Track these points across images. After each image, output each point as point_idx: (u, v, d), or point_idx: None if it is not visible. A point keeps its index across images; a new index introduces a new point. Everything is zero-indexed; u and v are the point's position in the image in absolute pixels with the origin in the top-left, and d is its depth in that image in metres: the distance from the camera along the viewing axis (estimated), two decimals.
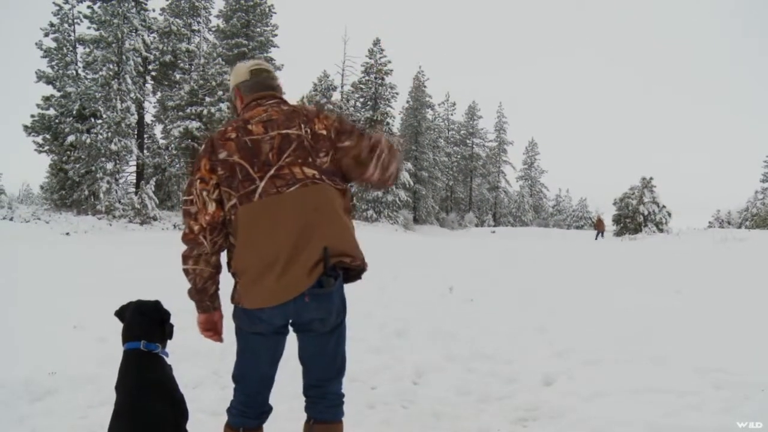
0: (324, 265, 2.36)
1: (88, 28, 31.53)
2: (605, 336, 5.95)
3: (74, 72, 31.10)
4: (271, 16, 42.90)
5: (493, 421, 3.85)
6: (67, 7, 30.73)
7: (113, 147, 28.42)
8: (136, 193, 29.81)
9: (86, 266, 11.78)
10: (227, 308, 2.58)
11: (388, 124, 48.09)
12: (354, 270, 2.55)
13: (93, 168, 28.34)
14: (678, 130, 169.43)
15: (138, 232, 25.14)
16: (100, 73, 29.32)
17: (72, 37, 31.10)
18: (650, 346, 5.46)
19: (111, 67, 29.52)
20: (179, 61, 35.99)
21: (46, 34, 30.54)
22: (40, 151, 30.27)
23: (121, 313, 2.77)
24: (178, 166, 34.61)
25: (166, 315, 2.79)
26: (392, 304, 8.17)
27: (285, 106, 2.58)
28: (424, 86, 56.97)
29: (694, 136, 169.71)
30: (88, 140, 27.98)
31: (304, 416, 2.68)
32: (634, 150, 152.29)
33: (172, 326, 2.81)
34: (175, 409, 2.57)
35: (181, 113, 33.33)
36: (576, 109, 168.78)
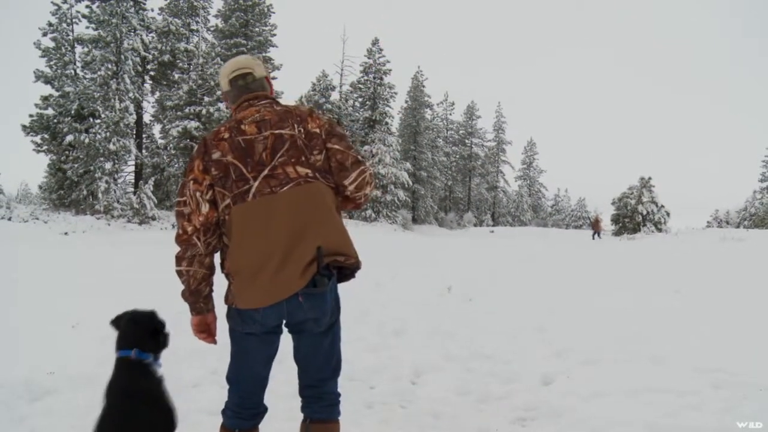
0: (317, 265, 2.35)
1: (87, 27, 31.48)
2: (604, 336, 5.96)
3: (73, 72, 31.05)
4: (270, 15, 42.84)
5: (491, 420, 3.85)
6: (65, 6, 30.68)
7: (112, 147, 28.38)
8: (134, 193, 29.77)
9: (85, 266, 11.77)
10: (221, 309, 2.58)
11: (386, 123, 48.11)
12: (348, 268, 2.54)
13: (91, 168, 28.29)
14: (677, 129, 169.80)
15: (136, 232, 25.12)
16: (99, 72, 29.27)
17: (70, 37, 31.04)
18: (649, 345, 5.46)
19: (109, 66, 29.48)
20: (178, 61, 35.96)
21: (45, 34, 30.49)
22: (38, 151, 30.22)
23: (116, 322, 2.77)
24: (176, 165, 34.56)
25: (161, 325, 2.77)
26: (391, 304, 8.18)
27: (277, 107, 2.58)
28: (423, 86, 56.97)
29: (693, 135, 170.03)
30: (87, 140, 27.93)
31: (300, 416, 2.67)
32: (633, 150, 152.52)
33: (167, 336, 2.80)
34: (163, 418, 2.55)
35: (179, 113, 33.30)
36: (575, 108, 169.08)
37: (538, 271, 12.47)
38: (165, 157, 35.31)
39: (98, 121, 28.71)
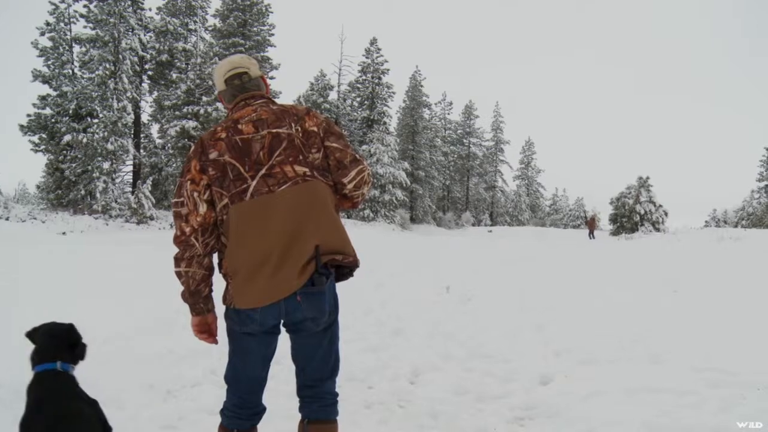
0: (316, 264, 2.36)
1: (85, 27, 31.42)
2: (602, 335, 5.96)
3: (70, 71, 30.97)
4: (268, 15, 42.85)
5: (490, 420, 3.85)
6: (63, 6, 30.59)
7: (110, 146, 28.35)
8: (132, 193, 29.73)
9: (84, 266, 11.75)
10: (221, 310, 2.58)
11: (384, 123, 48.11)
12: (346, 267, 2.55)
13: (89, 167, 28.26)
14: (675, 129, 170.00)
15: (134, 232, 25.08)
16: (97, 72, 29.24)
17: (68, 36, 30.96)
18: (647, 345, 5.47)
19: (107, 66, 29.43)
20: (176, 61, 35.93)
21: (42, 33, 30.40)
22: (36, 151, 30.17)
23: (32, 335, 2.71)
24: (174, 165, 34.52)
25: (78, 337, 2.74)
26: (389, 304, 8.18)
27: (274, 106, 2.59)
28: (421, 86, 56.98)
29: (691, 135, 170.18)
30: (85, 139, 27.90)
31: (299, 416, 2.67)
32: (631, 149, 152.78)
33: (84, 347, 2.77)
34: (96, 411, 2.53)
35: (177, 112, 33.26)
36: (573, 108, 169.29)
37: (536, 271, 12.47)
38: (163, 157, 35.28)
39: (96, 120, 28.69)
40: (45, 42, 30.49)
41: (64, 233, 21.89)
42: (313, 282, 2.36)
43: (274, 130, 2.46)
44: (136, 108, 33.69)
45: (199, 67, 33.26)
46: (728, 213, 60.28)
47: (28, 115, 29.82)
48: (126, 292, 8.28)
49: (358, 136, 47.31)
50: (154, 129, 38.99)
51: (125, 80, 30.00)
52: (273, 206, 2.37)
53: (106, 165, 28.73)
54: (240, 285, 2.39)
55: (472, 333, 6.37)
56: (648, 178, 39.21)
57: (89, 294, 7.85)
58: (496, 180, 73.28)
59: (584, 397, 4.14)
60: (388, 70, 49.67)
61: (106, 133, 28.23)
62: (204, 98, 32.55)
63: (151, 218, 28.03)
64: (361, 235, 24.14)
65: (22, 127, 29.66)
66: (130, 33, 31.41)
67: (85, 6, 31.23)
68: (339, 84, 49.48)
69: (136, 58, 32.01)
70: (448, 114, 68.29)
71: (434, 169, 57.55)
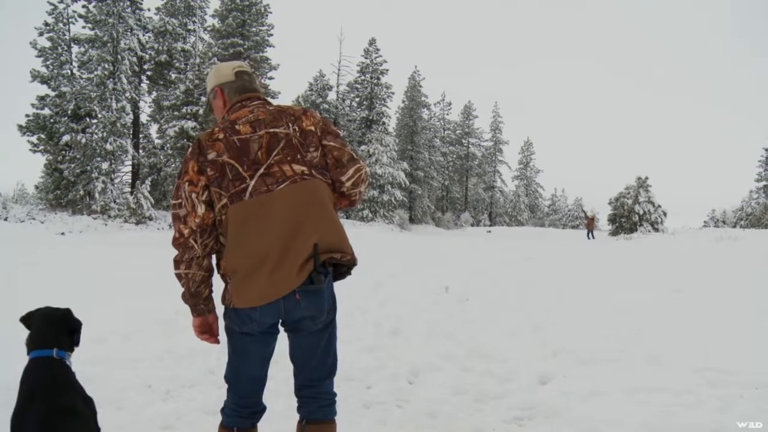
0: (314, 262, 2.36)
1: (83, 27, 31.45)
2: (601, 335, 5.96)
3: (69, 71, 30.97)
4: (267, 15, 42.83)
5: (488, 420, 3.86)
6: (61, 6, 30.60)
7: (108, 147, 28.35)
8: (131, 193, 29.74)
9: (82, 266, 11.76)
10: (221, 310, 2.58)
11: (383, 123, 48.12)
12: (344, 266, 2.56)
13: (88, 168, 28.26)
14: (674, 129, 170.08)
15: (133, 232, 25.08)
16: (95, 72, 29.27)
17: (67, 37, 30.97)
18: (646, 345, 5.47)
19: (106, 66, 29.45)
20: (175, 61, 35.92)
21: (41, 34, 30.41)
22: (34, 151, 30.18)
23: (27, 320, 2.68)
24: (173, 165, 34.51)
25: (77, 324, 2.71)
26: (388, 303, 8.19)
27: (270, 107, 2.60)
28: (420, 86, 56.97)
29: (690, 136, 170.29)
30: (84, 140, 27.90)
31: (298, 416, 2.67)
32: (630, 150, 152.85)
33: (79, 335, 2.72)
34: (89, 407, 2.49)
35: (176, 113, 33.27)
36: (572, 108, 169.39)
37: (535, 271, 12.46)
38: (162, 157, 35.25)
39: (95, 120, 28.71)
40: (44, 42, 30.53)
41: (62, 233, 21.91)
42: (312, 280, 2.36)
43: (272, 130, 2.47)
44: (135, 108, 33.70)
45: (197, 68, 33.27)
46: (727, 213, 60.35)
47: (27, 116, 29.84)
48: (125, 292, 8.28)
49: (357, 137, 47.31)
50: (153, 129, 39.03)
51: (124, 80, 30.01)
52: (271, 205, 2.38)
53: (104, 165, 28.75)
54: (239, 284, 2.39)
55: (470, 333, 6.37)
56: (647, 178, 39.20)
57: (87, 294, 7.84)
58: (494, 180, 73.31)
59: (583, 397, 4.14)
60: (387, 70, 49.71)
61: (104, 134, 28.24)
62: (203, 98, 32.54)
63: (150, 218, 28.03)
64: (360, 235, 24.15)
65: (20, 127, 29.67)
66: (128, 33, 31.43)
67: (83, 6, 31.26)
68: (338, 84, 49.52)
69: (134, 59, 32.03)
70: (447, 114, 68.35)
71: (433, 170, 57.58)
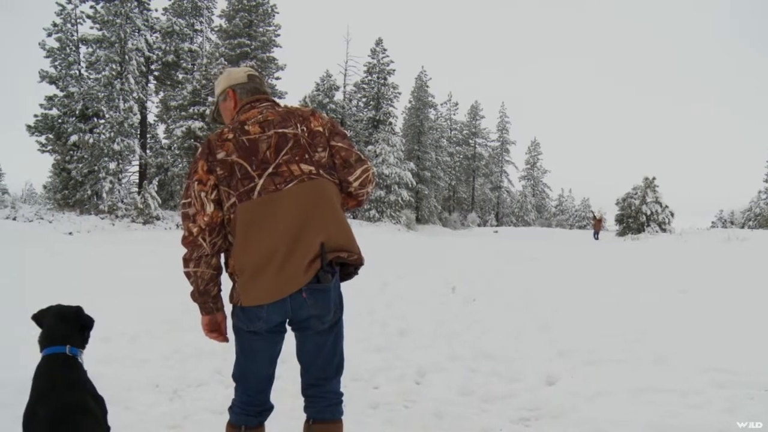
0: (321, 261, 2.37)
1: (91, 28, 31.54)
2: (608, 335, 5.95)
3: (77, 72, 31.08)
4: (274, 16, 42.90)
5: (495, 420, 3.85)
6: (70, 7, 30.70)
7: (116, 147, 28.44)
8: (138, 193, 29.81)
9: (88, 266, 11.80)
10: (229, 309, 2.59)
11: (390, 124, 48.10)
12: (351, 265, 2.57)
13: (96, 168, 28.36)
14: (682, 130, 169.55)
15: (140, 232, 25.14)
16: (103, 73, 29.34)
17: (75, 37, 31.08)
18: (653, 345, 5.46)
19: (114, 66, 29.53)
20: (182, 61, 36.01)
21: (49, 34, 30.53)
22: (43, 151, 30.31)
23: (39, 318, 2.70)
24: (180, 165, 34.60)
25: (89, 321, 2.74)
26: (395, 304, 8.19)
27: (279, 108, 2.63)
28: (427, 86, 56.90)
29: (698, 136, 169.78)
30: (91, 140, 28.00)
31: (305, 416, 2.68)
32: (638, 150, 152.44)
33: (89, 333, 2.76)
34: (100, 406, 2.52)
35: (183, 113, 33.36)
36: (579, 109, 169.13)
37: (541, 271, 12.45)
38: (169, 157, 35.35)
39: (102, 121, 28.79)
40: (52, 43, 30.64)
41: (70, 233, 21.97)
42: (319, 279, 2.38)
43: (281, 130, 2.50)
44: (143, 108, 33.78)
45: (205, 68, 33.35)
46: (735, 214, 60.19)
47: (35, 116, 29.96)
48: (132, 291, 8.31)
49: (363, 137, 47.32)
50: (160, 129, 39.15)
51: (131, 81, 30.10)
52: (279, 204, 2.40)
53: (112, 165, 28.81)
54: (246, 282, 2.41)
55: (477, 333, 6.37)
56: (654, 178, 39.10)
57: (95, 293, 7.87)
58: (501, 180, 73.22)
59: (590, 398, 4.13)
60: (393, 70, 49.70)
61: (112, 134, 28.32)
62: (210, 99, 32.60)
63: (157, 218, 28.11)
64: (367, 235, 24.13)
65: (29, 127, 29.80)
66: (136, 34, 31.51)
67: (91, 7, 31.35)
68: (345, 84, 49.58)
69: (142, 59, 32.10)
70: (454, 114, 68.24)
71: (440, 170, 57.51)
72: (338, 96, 47.87)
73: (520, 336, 6.19)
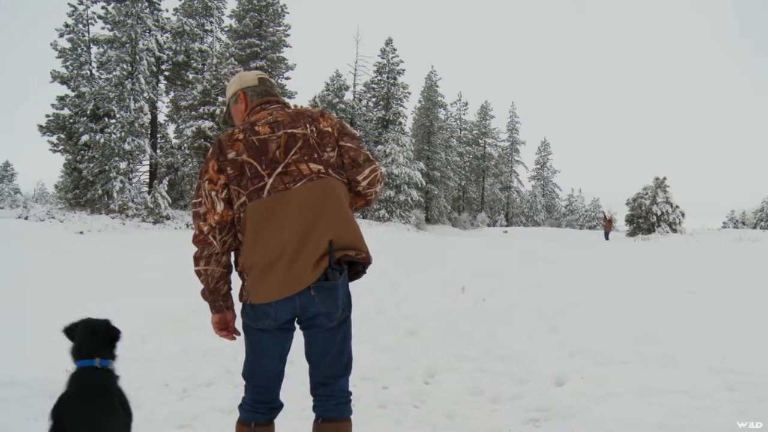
0: (329, 259, 2.40)
1: (102, 28, 31.69)
2: (617, 336, 5.93)
3: (88, 72, 31.24)
4: (284, 15, 42.97)
5: (504, 421, 3.85)
6: (81, 7, 30.87)
7: (127, 146, 28.55)
8: (149, 193, 29.93)
9: (100, 265, 11.86)
10: (239, 307, 2.61)
11: (400, 123, 48.09)
12: (359, 264, 2.60)
13: (106, 167, 28.48)
14: (693, 130, 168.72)
15: (151, 231, 25.23)
16: (114, 73, 29.47)
17: (86, 38, 31.24)
18: (663, 346, 5.43)
19: (124, 67, 29.65)
20: (192, 61, 36.10)
21: (61, 35, 30.70)
22: (54, 151, 30.46)
23: (70, 332, 2.77)
24: (190, 165, 34.69)
25: (117, 333, 2.81)
26: (404, 304, 8.19)
27: (288, 109, 2.67)
28: (437, 86, 56.84)
29: (709, 136, 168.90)
30: (102, 140, 28.12)
31: (314, 415, 2.69)
32: (649, 150, 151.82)
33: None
34: (126, 413, 2.61)
35: (193, 113, 33.43)
36: (590, 108, 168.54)
37: (551, 272, 12.42)
38: (179, 157, 35.44)
39: (113, 121, 28.91)
40: (64, 43, 30.80)
41: (81, 232, 22.07)
42: (327, 277, 2.41)
43: (290, 131, 2.54)
44: (153, 108, 33.89)
45: (215, 68, 33.42)
46: (747, 214, 59.81)
47: (47, 116, 30.13)
48: (142, 291, 8.34)
49: (373, 137, 47.32)
50: (171, 129, 39.25)
51: (142, 81, 30.20)
52: (288, 202, 2.43)
53: (123, 165, 28.93)
54: (255, 280, 2.44)
55: (486, 334, 6.36)
56: (665, 178, 38.93)
57: (105, 293, 7.91)
58: (511, 180, 73.08)
59: (599, 398, 4.12)
60: (403, 70, 49.68)
61: (123, 134, 28.43)
62: (220, 98, 32.68)
63: (168, 218, 28.19)
64: (377, 235, 24.14)
65: (41, 127, 29.97)
66: (147, 34, 31.63)
67: (103, 7, 31.48)
68: (354, 84, 49.60)
69: (152, 59, 32.21)
70: (464, 114, 68.16)
71: (449, 170, 57.46)
72: (348, 96, 47.92)
73: (530, 336, 6.18)
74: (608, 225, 37.93)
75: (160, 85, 36.29)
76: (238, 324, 2.66)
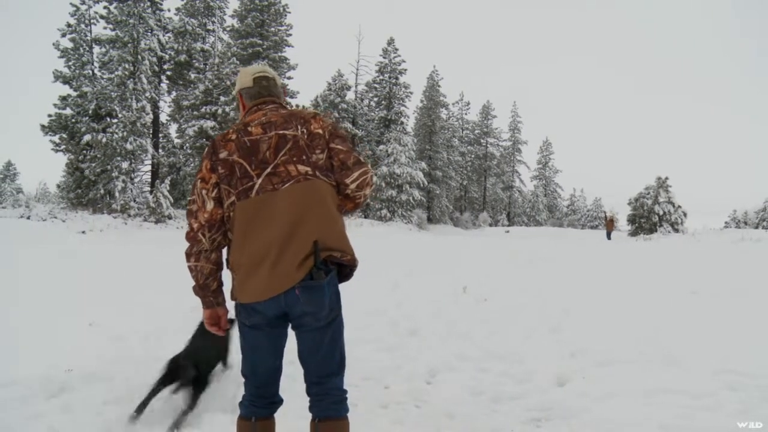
0: (314, 259, 2.43)
1: (104, 28, 31.80)
2: (619, 336, 5.92)
3: (90, 72, 31.32)
4: (286, 15, 43.03)
5: (506, 421, 3.84)
6: (83, 7, 30.95)
7: (128, 146, 28.60)
8: (151, 192, 29.99)
9: (102, 264, 11.87)
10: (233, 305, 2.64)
11: (402, 123, 48.10)
12: (346, 266, 2.63)
13: (108, 167, 28.53)
14: (695, 129, 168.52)
15: (153, 231, 25.27)
16: (116, 72, 29.55)
17: (88, 38, 31.31)
18: (665, 346, 5.42)
19: (127, 66, 29.71)
20: (194, 61, 36.18)
21: (63, 35, 30.78)
22: (56, 151, 30.54)
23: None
24: (192, 165, 34.78)
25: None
26: (405, 304, 8.17)
27: (283, 110, 2.70)
28: (438, 86, 56.87)
29: (711, 136, 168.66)
30: (104, 139, 28.17)
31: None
32: (651, 150, 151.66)
33: None
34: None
35: (195, 112, 33.49)
36: (592, 108, 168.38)
37: (553, 272, 12.40)
38: (181, 157, 35.52)
39: (115, 120, 28.98)
40: (66, 43, 30.93)
41: (83, 232, 22.11)
42: (312, 276, 2.43)
43: (281, 132, 2.57)
44: (155, 108, 33.97)
45: (217, 68, 33.46)
46: (749, 214, 59.72)
47: (49, 116, 30.20)
48: (144, 290, 8.34)
49: (375, 136, 47.35)
50: (173, 129, 39.37)
51: (144, 80, 30.25)
52: (275, 203, 2.47)
53: (125, 164, 29.00)
54: (242, 280, 2.50)
55: (488, 333, 6.34)
56: (667, 178, 38.90)
57: (107, 292, 7.92)
58: (513, 180, 73.10)
59: (601, 399, 4.11)
60: (405, 70, 49.72)
61: (125, 133, 28.48)
62: (222, 98, 32.73)
63: (169, 217, 28.23)
64: (378, 235, 24.14)
65: (43, 127, 30.03)
66: (149, 34, 31.70)
67: (105, 7, 31.57)
68: (356, 84, 49.65)
69: (155, 59, 32.28)
70: (466, 114, 68.21)
71: (451, 169, 57.47)
72: (350, 95, 47.92)
73: (532, 336, 6.16)
74: (610, 225, 37.89)
75: (162, 84, 36.37)
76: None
